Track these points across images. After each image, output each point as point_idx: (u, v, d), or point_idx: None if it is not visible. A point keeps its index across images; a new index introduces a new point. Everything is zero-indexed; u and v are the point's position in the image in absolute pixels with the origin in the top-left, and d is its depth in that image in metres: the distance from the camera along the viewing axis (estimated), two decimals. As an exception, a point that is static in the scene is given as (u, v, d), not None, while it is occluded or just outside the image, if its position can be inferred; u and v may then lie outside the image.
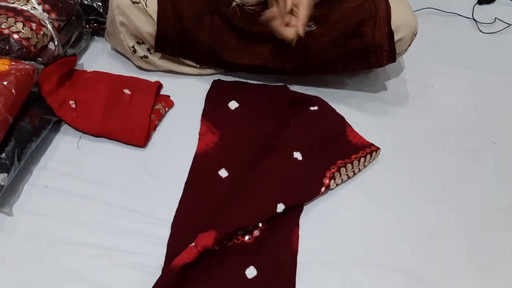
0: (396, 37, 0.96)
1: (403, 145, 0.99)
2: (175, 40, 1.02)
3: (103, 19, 1.12)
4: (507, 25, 1.36)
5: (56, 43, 0.98)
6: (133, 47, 1.05)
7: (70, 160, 0.91)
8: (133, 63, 1.09)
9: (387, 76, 1.13)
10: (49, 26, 0.96)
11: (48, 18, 0.97)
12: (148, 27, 1.01)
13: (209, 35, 1.01)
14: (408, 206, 0.88)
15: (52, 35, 0.97)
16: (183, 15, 0.99)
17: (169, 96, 1.04)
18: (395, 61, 0.98)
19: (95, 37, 1.17)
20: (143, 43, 1.05)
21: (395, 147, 0.97)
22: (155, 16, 0.99)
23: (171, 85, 1.06)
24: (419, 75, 1.14)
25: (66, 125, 0.96)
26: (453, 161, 0.98)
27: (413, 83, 1.12)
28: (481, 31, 1.34)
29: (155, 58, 1.07)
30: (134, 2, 0.99)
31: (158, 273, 0.76)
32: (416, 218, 0.87)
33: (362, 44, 0.96)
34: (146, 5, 0.98)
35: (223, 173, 0.91)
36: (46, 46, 0.96)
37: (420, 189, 0.91)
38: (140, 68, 1.09)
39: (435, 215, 0.88)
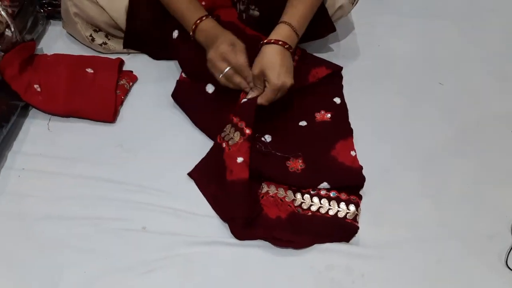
0: (336, 6, 1.04)
1: (358, 93, 1.06)
2: (144, 40, 1.07)
3: (56, 2, 1.13)
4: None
5: (12, 29, 0.99)
6: (90, 35, 1.08)
7: (43, 141, 0.94)
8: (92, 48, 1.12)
9: (337, 33, 1.19)
10: (3, 13, 0.97)
11: (1, 5, 0.98)
12: (102, 17, 1.04)
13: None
14: (365, 148, 0.95)
15: (7, 22, 0.98)
16: (153, 21, 1.04)
17: (131, 71, 1.07)
18: (335, 31, 1.07)
19: (51, 20, 1.18)
20: (100, 30, 1.08)
21: (350, 96, 1.04)
22: (107, 8, 1.02)
23: (132, 61, 1.10)
24: (366, 27, 1.21)
25: (34, 109, 0.98)
26: (403, 103, 1.05)
27: (361, 35, 1.19)
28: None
29: (114, 44, 1.10)
30: None
31: (142, 234, 0.82)
32: (373, 155, 0.94)
33: None
34: None
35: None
36: (3, 33, 0.97)
37: (374, 132, 0.99)
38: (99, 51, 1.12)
39: (390, 153, 0.96)
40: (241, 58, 0.90)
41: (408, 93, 1.08)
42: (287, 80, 0.88)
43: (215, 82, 0.96)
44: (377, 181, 0.90)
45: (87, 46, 1.11)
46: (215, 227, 0.84)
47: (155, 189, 0.87)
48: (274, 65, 0.87)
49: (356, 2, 1.08)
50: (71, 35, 1.13)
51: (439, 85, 1.10)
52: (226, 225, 0.84)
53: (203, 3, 1.03)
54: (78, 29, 1.07)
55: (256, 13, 1.05)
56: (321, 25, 1.05)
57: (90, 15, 1.04)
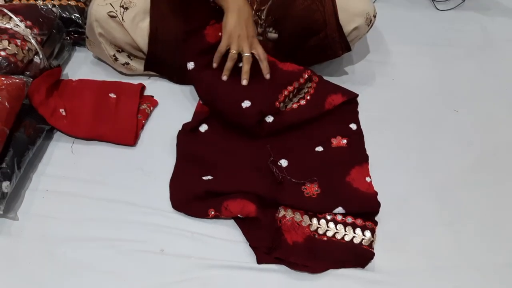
0: (351, 26, 1.05)
1: (373, 120, 1.07)
2: (164, 64, 1.11)
3: (82, 30, 1.18)
4: (461, 1, 1.45)
5: (41, 56, 1.03)
6: (114, 55, 1.12)
7: (66, 164, 0.97)
8: (114, 69, 1.16)
9: (353, 59, 1.22)
10: (32, 41, 1.02)
11: (31, 33, 1.03)
12: (126, 38, 1.08)
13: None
14: (381, 175, 0.96)
15: (36, 49, 1.03)
16: (174, 46, 1.08)
17: (152, 96, 1.11)
18: (350, 50, 1.08)
19: (76, 47, 1.23)
20: (123, 51, 1.12)
21: (365, 123, 1.06)
22: (132, 32, 1.06)
23: (153, 86, 1.13)
24: (382, 54, 1.23)
25: (58, 132, 1.02)
26: (419, 131, 1.07)
27: (377, 62, 1.21)
28: (438, 9, 1.43)
29: (136, 64, 1.14)
30: (111, 16, 1.05)
31: (160, 256, 0.83)
32: (389, 185, 0.95)
33: (317, 41, 1.06)
34: (122, 19, 1.05)
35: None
36: (32, 60, 1.02)
37: (390, 159, 1.00)
38: (121, 73, 1.16)
39: (406, 181, 0.97)
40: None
41: (424, 122, 1.09)
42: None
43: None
44: (393, 208, 0.91)
45: (111, 68, 1.15)
46: (232, 250, 0.85)
47: (174, 212, 0.89)
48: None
49: (372, 24, 1.09)
50: (95, 57, 1.17)
51: (455, 114, 1.11)
52: (243, 248, 0.85)
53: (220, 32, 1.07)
54: (103, 48, 1.10)
55: (274, 35, 1.08)
56: (336, 42, 1.06)
57: (115, 36, 1.07)
